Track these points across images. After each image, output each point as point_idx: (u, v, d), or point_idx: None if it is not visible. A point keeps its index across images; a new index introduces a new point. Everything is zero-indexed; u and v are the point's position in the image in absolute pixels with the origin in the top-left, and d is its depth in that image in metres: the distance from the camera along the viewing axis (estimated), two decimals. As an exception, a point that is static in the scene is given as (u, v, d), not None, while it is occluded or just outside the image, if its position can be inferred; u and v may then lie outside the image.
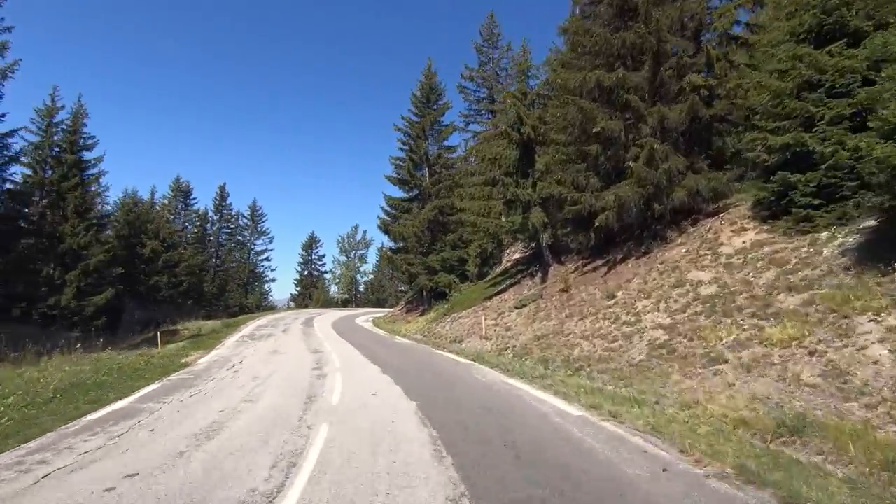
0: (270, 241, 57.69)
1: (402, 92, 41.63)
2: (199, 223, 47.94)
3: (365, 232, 68.72)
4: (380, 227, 33.37)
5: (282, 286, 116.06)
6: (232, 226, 53.56)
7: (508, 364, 11.87)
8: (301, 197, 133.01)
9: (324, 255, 72.72)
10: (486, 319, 17.62)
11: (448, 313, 23.32)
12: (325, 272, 71.37)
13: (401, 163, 34.19)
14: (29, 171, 25.73)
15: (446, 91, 34.75)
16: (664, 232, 15.65)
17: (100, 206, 28.73)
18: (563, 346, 12.67)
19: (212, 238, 50.42)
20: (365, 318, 37.66)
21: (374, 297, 73.71)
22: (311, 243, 73.36)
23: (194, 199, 45.72)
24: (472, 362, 12.67)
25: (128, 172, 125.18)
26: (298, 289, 72.40)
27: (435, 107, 34.71)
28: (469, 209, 19.92)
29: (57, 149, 26.82)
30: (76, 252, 25.79)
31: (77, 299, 24.92)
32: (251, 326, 27.00)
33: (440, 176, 34.46)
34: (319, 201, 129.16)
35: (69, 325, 24.61)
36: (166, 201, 42.49)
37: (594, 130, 15.66)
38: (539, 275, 20.04)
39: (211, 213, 50.61)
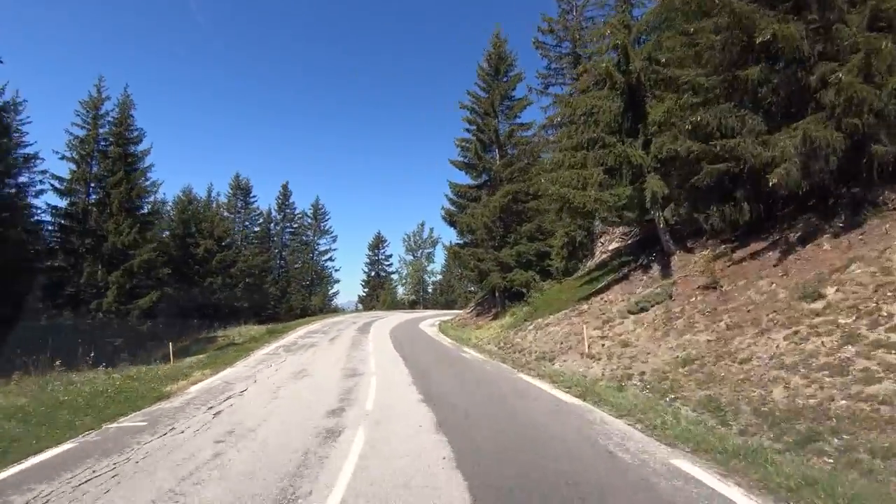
0: (334, 241, 56.03)
1: (470, 66, 36.99)
2: (261, 223, 46.71)
3: (432, 229, 65.32)
4: (444, 219, 29.19)
5: (349, 287, 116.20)
6: (295, 225, 52.08)
7: (646, 409, 6.94)
8: (365, 194, 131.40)
9: (390, 256, 70.40)
10: (587, 329, 12.60)
11: (529, 318, 18.48)
12: (392, 273, 68.89)
13: (467, 144, 29.72)
14: (73, 167, 24.33)
15: (518, 59, 29.76)
16: (879, 194, 9.89)
17: (149, 203, 26.88)
18: (740, 380, 7.45)
19: (276, 238, 49.10)
20: (431, 321, 33.66)
21: (442, 298, 70.14)
22: (378, 243, 71.23)
23: (254, 197, 44.47)
24: (582, 402, 7.86)
25: (188, 173, 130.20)
26: (366, 290, 70.51)
27: (505, 79, 29.86)
28: (557, 180, 14.94)
29: (103, 142, 25.32)
30: (122, 251, 23.96)
31: (120, 301, 22.99)
32: (299, 333, 23.81)
33: (512, 157, 29.66)
34: (385, 198, 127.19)
35: (115, 331, 22.74)
36: (225, 199, 41.47)
37: (759, 41, 10.16)
38: (656, 266, 14.63)
39: (274, 213, 49.38)
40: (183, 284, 28.92)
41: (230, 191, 41.81)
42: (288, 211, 50.99)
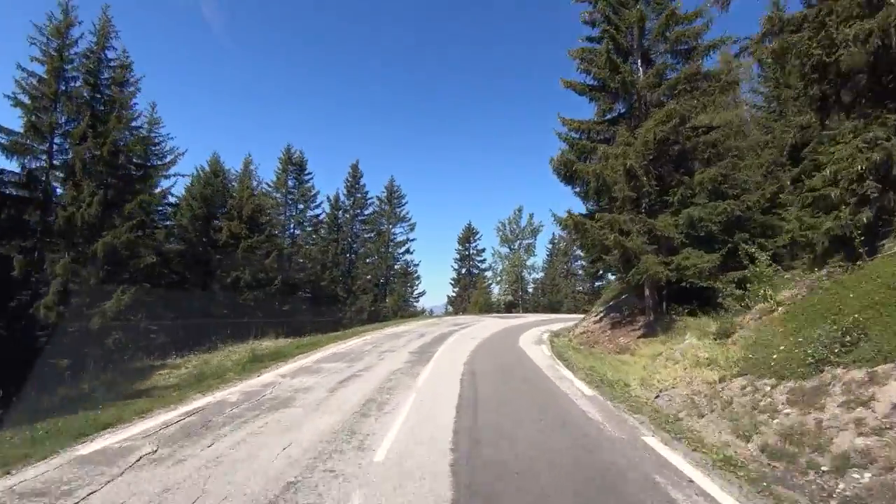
0: (412, 230, 47.08)
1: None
2: (324, 210, 39.37)
3: (531, 216, 53.79)
4: (556, 171, 18.13)
5: (437, 287, 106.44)
6: (367, 212, 44.19)
7: None
8: (451, 180, 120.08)
9: (483, 250, 60.32)
10: None
11: (756, 350, 7.04)
12: (486, 270, 58.69)
13: (590, 55, 18.58)
14: (29, 116, 17.52)
15: None
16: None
17: (136, 170, 19.54)
18: None
19: (344, 227, 41.51)
20: (535, 332, 23.03)
21: (544, 299, 58.37)
22: (468, 236, 61.56)
23: (309, 174, 36.39)
24: None
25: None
26: (455, 290, 61.23)
27: (652, -58, 18.43)
28: None
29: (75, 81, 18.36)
30: (85, 229, 16.62)
31: (67, 303, 15.50)
32: (311, 358, 14.49)
33: (668, 65, 18.14)
34: (474, 183, 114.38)
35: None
36: (273, 178, 34.30)
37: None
38: None
39: (342, 198, 41.80)
40: (197, 279, 21.45)
41: (280, 165, 34.52)
42: (359, 196, 43.22)
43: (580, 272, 66.26)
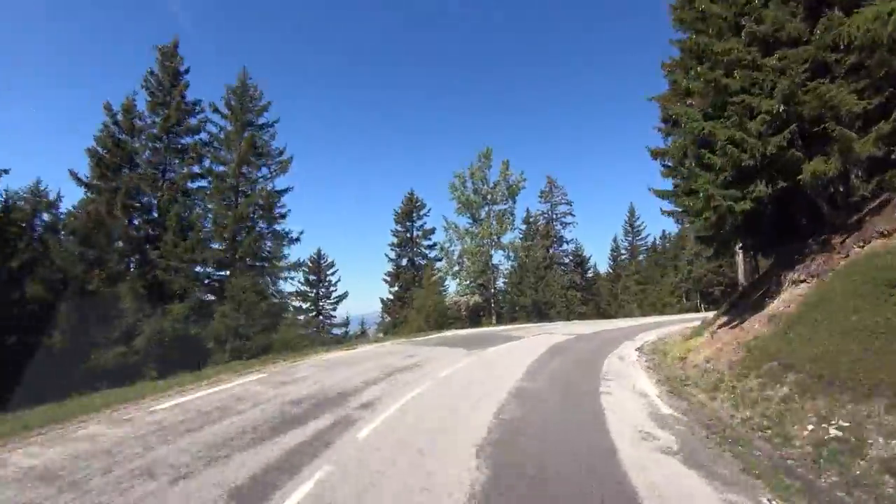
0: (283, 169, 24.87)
1: None
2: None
3: (507, 165, 33.75)
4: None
5: (368, 289, 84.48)
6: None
7: None
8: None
9: (433, 231, 40.53)
10: None
11: None
12: (438, 259, 38.75)
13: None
14: None
15: None
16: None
17: None
18: None
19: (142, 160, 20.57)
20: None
21: (526, 298, 39.43)
22: (410, 210, 41.65)
23: None
24: None
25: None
26: (393, 290, 41.04)
27: None
28: None
29: None
30: None
31: None
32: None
33: None
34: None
35: None
36: None
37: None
38: None
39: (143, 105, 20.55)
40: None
41: None
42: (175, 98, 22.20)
43: (567, 259, 48.42)
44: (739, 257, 20.95)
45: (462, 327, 28.35)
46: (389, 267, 42.06)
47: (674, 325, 22.42)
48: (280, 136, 64.30)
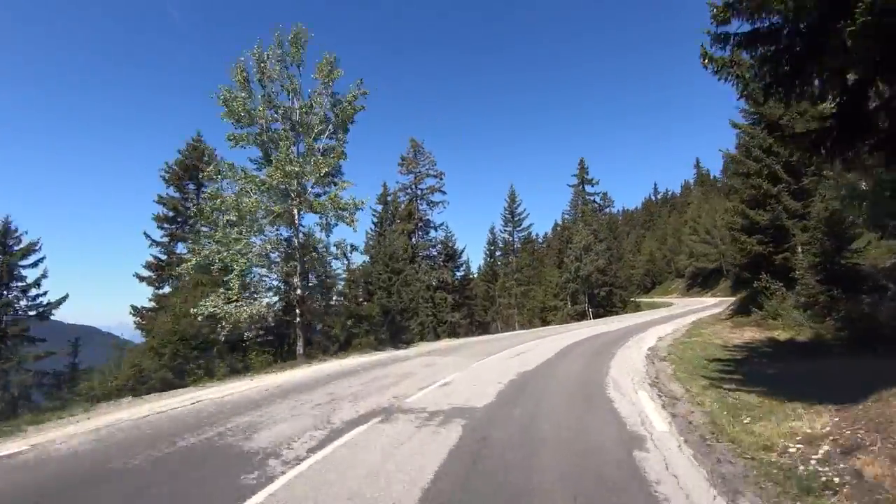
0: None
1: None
2: None
3: (334, 63, 18.34)
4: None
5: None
6: None
7: None
8: None
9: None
10: None
11: None
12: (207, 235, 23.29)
13: None
14: None
15: None
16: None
17: None
18: None
19: None
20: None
21: (373, 306, 25.84)
22: (194, 163, 25.70)
23: None
24: None
25: None
26: (159, 291, 24.71)
27: None
28: None
29: None
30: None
31: None
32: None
33: None
34: None
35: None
36: None
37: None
38: None
39: None
40: None
41: None
42: None
43: (435, 251, 36.28)
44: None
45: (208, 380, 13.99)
46: (151, 255, 25.56)
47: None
48: None
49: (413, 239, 32.86)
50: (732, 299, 38.61)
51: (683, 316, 28.70)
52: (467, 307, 40.53)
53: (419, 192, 33.35)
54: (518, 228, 41.54)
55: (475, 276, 45.09)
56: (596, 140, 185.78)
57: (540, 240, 47.29)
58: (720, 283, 67.93)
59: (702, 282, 72.34)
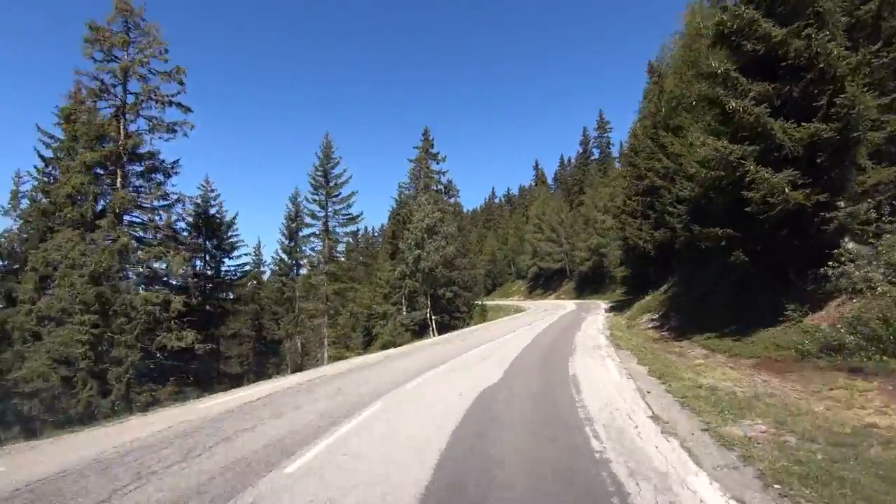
0: None
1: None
2: None
3: None
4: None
5: None
6: None
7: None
8: None
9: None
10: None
11: None
12: None
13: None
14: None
15: None
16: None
17: None
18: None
19: None
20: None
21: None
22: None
23: None
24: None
25: None
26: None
27: None
28: None
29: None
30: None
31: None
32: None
33: None
34: None
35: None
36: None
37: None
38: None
39: None
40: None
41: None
42: None
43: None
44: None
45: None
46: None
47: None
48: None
49: (118, 182, 16.98)
50: (615, 301, 31.13)
51: (570, 328, 18.68)
52: (247, 318, 25.71)
53: (133, 100, 17.53)
54: (334, 198, 27.87)
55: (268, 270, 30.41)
56: (437, 138, 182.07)
57: (376, 233, 34.45)
58: (563, 284, 64.43)
59: (544, 283, 68.35)
